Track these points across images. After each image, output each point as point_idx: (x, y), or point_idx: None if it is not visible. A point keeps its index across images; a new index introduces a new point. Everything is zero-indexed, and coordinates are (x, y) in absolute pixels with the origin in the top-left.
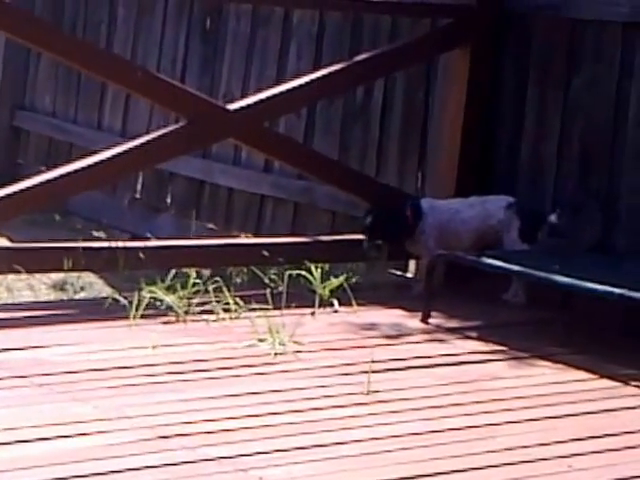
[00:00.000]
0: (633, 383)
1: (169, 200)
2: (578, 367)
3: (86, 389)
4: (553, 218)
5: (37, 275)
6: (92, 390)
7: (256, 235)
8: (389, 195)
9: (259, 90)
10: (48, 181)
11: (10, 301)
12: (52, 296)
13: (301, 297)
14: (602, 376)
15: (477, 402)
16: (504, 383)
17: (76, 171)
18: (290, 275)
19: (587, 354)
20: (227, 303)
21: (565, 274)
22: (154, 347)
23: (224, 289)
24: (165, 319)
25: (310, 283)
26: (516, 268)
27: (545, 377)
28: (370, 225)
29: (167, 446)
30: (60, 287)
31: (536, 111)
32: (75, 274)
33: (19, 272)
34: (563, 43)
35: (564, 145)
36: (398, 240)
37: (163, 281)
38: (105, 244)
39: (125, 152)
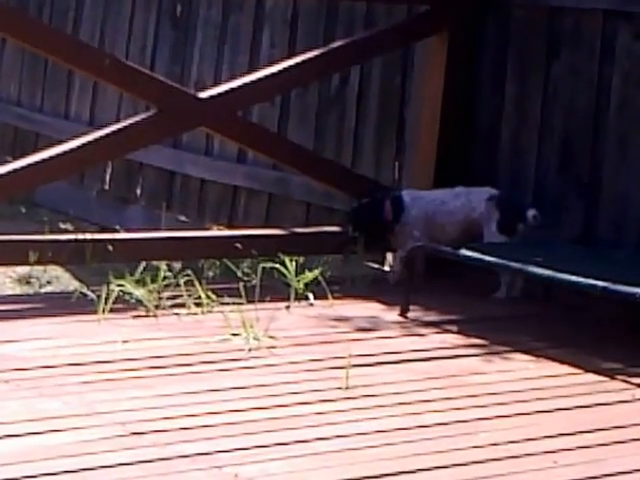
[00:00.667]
0: (619, 377)
1: (139, 191)
2: (562, 361)
3: (55, 385)
4: (531, 215)
5: (2, 268)
6: (61, 386)
7: (229, 227)
8: (365, 186)
9: (231, 78)
10: (14, 171)
11: None
12: (17, 290)
13: (275, 291)
14: (587, 370)
15: (457, 397)
16: (485, 378)
17: (43, 161)
18: (264, 268)
19: (571, 348)
20: (199, 297)
21: (547, 266)
22: (124, 342)
23: (196, 282)
24: (135, 313)
25: (284, 276)
26: (495, 260)
27: (528, 372)
28: (352, 221)
29: (139, 443)
30: (26, 281)
31: (516, 98)
32: (41, 267)
33: None
34: (543, 29)
35: (545, 133)
36: (377, 237)
37: (132, 274)
38: (72, 236)
39: (93, 142)
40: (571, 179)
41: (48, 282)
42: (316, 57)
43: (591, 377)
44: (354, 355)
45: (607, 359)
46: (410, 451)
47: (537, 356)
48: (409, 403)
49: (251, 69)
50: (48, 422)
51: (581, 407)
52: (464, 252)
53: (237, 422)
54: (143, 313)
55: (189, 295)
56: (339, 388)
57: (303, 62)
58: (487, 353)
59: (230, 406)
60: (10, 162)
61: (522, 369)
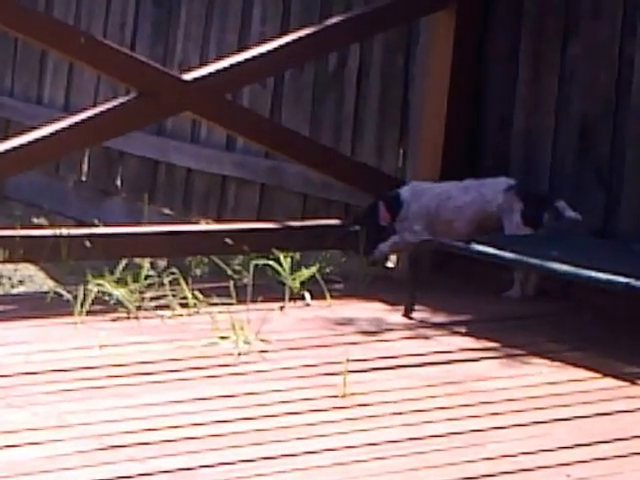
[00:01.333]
0: None
1: (119, 182)
2: (580, 365)
3: (25, 394)
4: (562, 206)
5: None
6: (29, 395)
7: (218, 221)
8: (366, 176)
9: (219, 58)
10: None
11: None
12: None
13: (269, 290)
14: (606, 375)
15: (466, 405)
16: (496, 384)
17: (13, 150)
18: (256, 265)
19: (590, 351)
20: (185, 297)
21: (565, 261)
22: (101, 347)
23: (182, 282)
24: (114, 316)
25: (279, 274)
26: (509, 256)
27: (543, 377)
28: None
29: (111, 458)
30: None
31: (530, 78)
32: (12, 266)
33: None
34: (559, 4)
35: (562, 116)
36: (376, 243)
37: (112, 273)
38: (47, 232)
39: (69, 128)
40: (590, 166)
41: (20, 282)
42: (312, 34)
43: (611, 382)
44: (353, 360)
45: (628, 362)
46: (417, 464)
47: (553, 359)
48: (413, 412)
49: (241, 48)
50: (12, 435)
51: (599, 415)
52: (475, 247)
53: (223, 434)
54: (123, 315)
55: (174, 295)
56: (335, 396)
57: (297, 40)
58: (499, 356)
59: (216, 416)
60: None
61: (537, 373)
